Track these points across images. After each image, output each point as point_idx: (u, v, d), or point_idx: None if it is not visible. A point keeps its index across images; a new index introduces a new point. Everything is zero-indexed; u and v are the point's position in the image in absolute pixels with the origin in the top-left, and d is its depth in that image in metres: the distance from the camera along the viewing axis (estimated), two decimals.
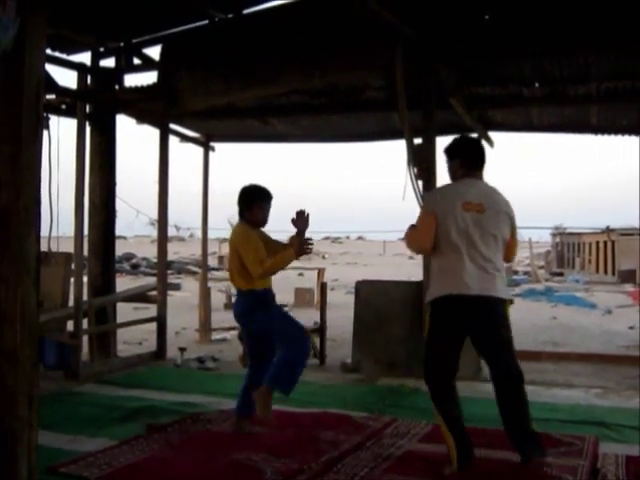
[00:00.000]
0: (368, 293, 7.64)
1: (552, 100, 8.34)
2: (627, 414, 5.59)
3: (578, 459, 4.43)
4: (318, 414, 5.61)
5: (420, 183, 6.88)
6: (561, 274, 34.56)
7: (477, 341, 4.26)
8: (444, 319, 4.14)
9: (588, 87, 7.93)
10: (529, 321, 13.32)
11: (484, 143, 5.06)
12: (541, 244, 49.64)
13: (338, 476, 4.10)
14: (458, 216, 4.06)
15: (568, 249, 42.29)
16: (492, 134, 9.98)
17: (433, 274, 4.27)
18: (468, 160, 4.31)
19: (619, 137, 9.54)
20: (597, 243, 36.33)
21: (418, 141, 7.04)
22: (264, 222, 5.11)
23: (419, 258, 8.20)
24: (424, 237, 4.16)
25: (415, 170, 6.72)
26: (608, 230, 34.50)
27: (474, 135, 4.54)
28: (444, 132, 9.13)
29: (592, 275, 33.50)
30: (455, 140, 4.45)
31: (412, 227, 4.33)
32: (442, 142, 8.16)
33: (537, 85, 7.98)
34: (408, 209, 6.99)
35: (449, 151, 4.41)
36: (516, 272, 28.50)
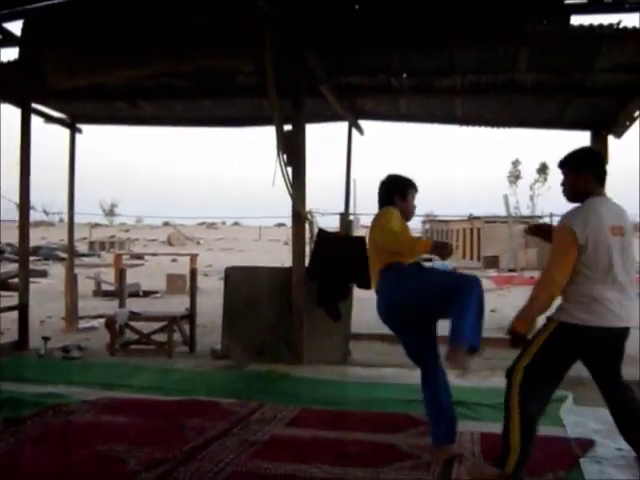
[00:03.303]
0: (238, 279, 7.63)
1: (419, 91, 8.56)
2: (484, 393, 5.86)
3: None
4: (185, 401, 5.56)
5: (289, 170, 6.94)
6: (430, 260, 35.66)
7: (602, 365, 3.95)
8: (579, 348, 3.79)
9: (453, 80, 8.19)
10: None
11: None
12: (413, 231, 50.99)
13: (202, 464, 4.08)
14: (607, 242, 3.68)
15: (437, 236, 43.76)
16: (362, 122, 10.15)
17: (577, 299, 3.73)
18: (599, 175, 3.85)
19: (483, 129, 9.96)
20: (464, 230, 37.81)
21: (288, 128, 7.08)
22: (414, 213, 4.66)
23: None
24: (564, 273, 3.69)
25: (285, 157, 6.75)
26: (472, 218, 35.98)
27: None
28: (314, 120, 9.27)
29: (459, 261, 34.79)
30: (580, 152, 3.98)
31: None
32: (312, 129, 8.33)
33: (405, 76, 8.17)
34: (282, 196, 7.05)
35: (575, 164, 3.89)
36: None
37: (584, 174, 3.82)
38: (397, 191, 4.50)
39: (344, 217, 9.14)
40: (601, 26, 6.57)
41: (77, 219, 11.05)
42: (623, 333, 3.84)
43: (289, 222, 7.37)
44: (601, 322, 3.70)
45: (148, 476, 3.89)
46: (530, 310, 3.80)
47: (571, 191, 3.90)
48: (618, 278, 3.72)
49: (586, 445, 4.51)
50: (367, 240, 4.53)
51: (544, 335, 3.80)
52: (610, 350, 3.87)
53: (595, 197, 3.77)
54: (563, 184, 3.96)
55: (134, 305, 10.94)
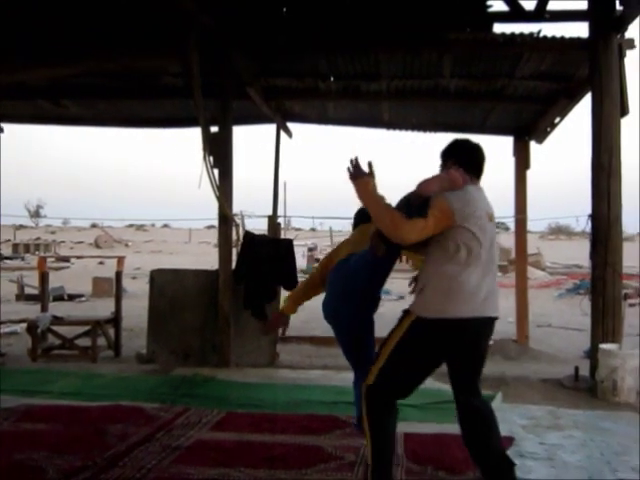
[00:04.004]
0: (163, 282, 7.53)
1: (346, 94, 8.64)
2: None
3: (361, 439, 4.63)
4: (108, 407, 5.45)
5: (216, 172, 6.89)
6: None
7: (463, 360, 3.60)
8: (445, 341, 3.44)
9: (379, 84, 8.31)
10: None
11: None
12: (343, 233, 51.33)
13: (124, 470, 4.01)
14: (485, 227, 3.49)
15: None
16: (291, 125, 10.18)
17: (446, 288, 3.43)
18: (463, 163, 3.67)
19: (409, 133, 10.09)
20: None
21: (215, 129, 7.03)
22: None
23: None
24: (415, 232, 3.40)
25: (211, 159, 6.71)
26: None
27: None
28: (243, 121, 9.25)
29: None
30: (451, 141, 3.83)
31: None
32: (239, 131, 8.32)
33: (332, 79, 8.24)
34: (212, 197, 7.00)
35: (441, 154, 3.80)
36: (318, 260, 29.25)
37: (449, 163, 3.70)
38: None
39: (272, 219, 9.14)
40: (522, 35, 6.76)
41: (0, 221, 10.73)
42: (491, 322, 3.56)
43: None
44: (469, 312, 3.40)
45: None
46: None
47: None
48: (492, 265, 3.55)
49: (506, 442, 4.60)
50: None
51: (400, 332, 3.49)
52: (476, 342, 3.53)
53: (470, 185, 3.60)
54: None
55: (58, 309, 10.72)
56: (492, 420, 3.56)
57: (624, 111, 6.46)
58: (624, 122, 6.45)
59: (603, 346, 6.16)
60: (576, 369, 6.60)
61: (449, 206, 3.41)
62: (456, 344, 3.47)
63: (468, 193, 3.54)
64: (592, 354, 6.46)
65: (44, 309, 8.86)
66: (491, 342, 9.19)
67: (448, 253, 3.45)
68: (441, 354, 3.51)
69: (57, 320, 8.33)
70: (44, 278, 9.38)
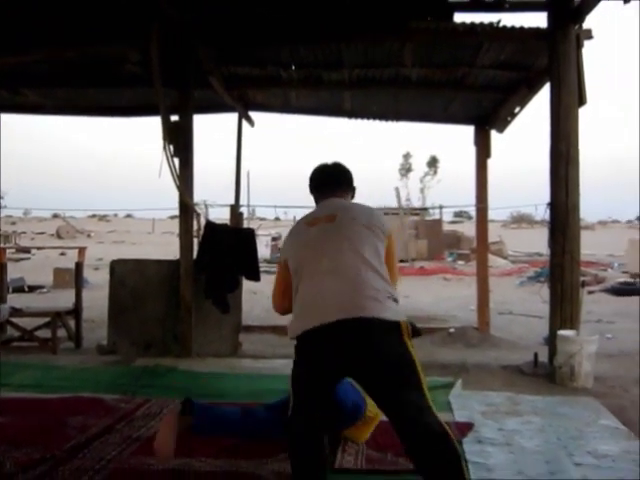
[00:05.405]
0: (123, 272, 7.47)
1: (308, 83, 8.62)
2: None
3: None
4: (68, 399, 5.39)
5: (177, 161, 6.84)
6: None
7: (368, 388, 3.19)
8: (305, 360, 3.20)
9: (341, 73, 8.31)
10: None
11: None
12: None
13: (83, 461, 3.97)
14: (302, 237, 3.35)
15: None
16: (254, 114, 10.13)
17: (294, 313, 3.33)
18: (314, 184, 3.67)
19: (372, 122, 10.11)
20: None
21: (175, 118, 6.98)
22: None
23: None
24: (277, 293, 3.54)
25: (171, 148, 6.66)
26: None
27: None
28: (205, 110, 9.19)
29: None
30: None
31: None
32: (200, 120, 8.24)
33: (294, 68, 8.22)
34: (174, 187, 6.93)
35: None
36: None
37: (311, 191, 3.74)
38: None
39: (234, 209, 9.10)
40: (482, 24, 6.81)
41: None
42: (348, 329, 3.03)
43: None
44: (307, 324, 3.13)
45: (26, 477, 3.75)
46: None
47: None
48: (315, 269, 3.22)
49: (466, 428, 4.67)
50: None
51: None
52: (341, 356, 3.07)
53: (320, 203, 3.63)
54: None
55: (18, 300, 10.57)
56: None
57: (582, 101, 6.55)
58: (582, 111, 6.55)
59: (561, 332, 6.25)
60: (535, 355, 6.70)
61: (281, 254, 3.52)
62: (316, 357, 3.15)
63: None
64: (550, 340, 6.55)
65: (2, 301, 8.72)
66: (452, 330, 9.29)
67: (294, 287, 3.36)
68: (311, 372, 3.20)
69: (16, 312, 8.22)
70: (3, 269, 9.23)
